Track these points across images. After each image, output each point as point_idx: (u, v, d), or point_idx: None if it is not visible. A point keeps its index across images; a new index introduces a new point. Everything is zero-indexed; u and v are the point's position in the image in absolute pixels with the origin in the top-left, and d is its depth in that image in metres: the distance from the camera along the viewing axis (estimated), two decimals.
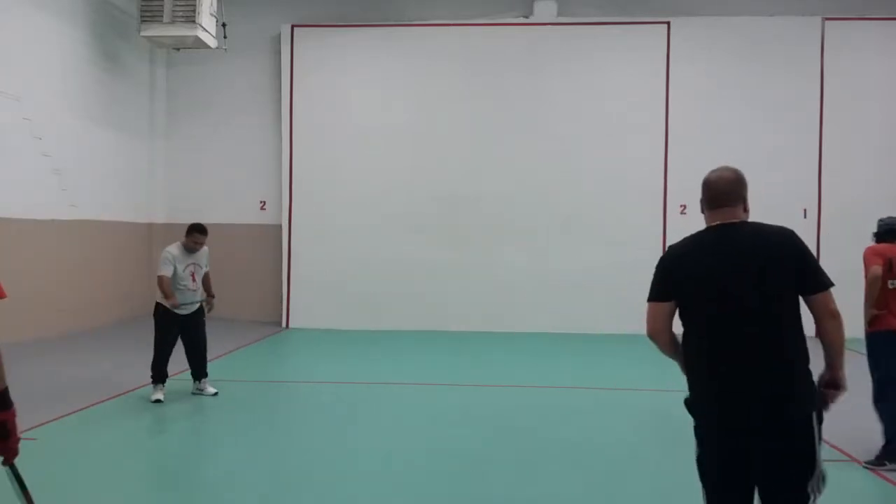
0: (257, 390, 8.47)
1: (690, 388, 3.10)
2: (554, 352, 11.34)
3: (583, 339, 12.37)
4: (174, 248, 7.83)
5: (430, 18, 13.79)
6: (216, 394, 7.88)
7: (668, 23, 13.37)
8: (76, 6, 11.96)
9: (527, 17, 13.72)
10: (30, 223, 10.59)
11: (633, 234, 13.29)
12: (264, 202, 14.39)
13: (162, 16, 11.98)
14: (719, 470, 3.03)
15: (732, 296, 2.93)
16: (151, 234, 14.51)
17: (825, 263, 3.12)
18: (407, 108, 13.77)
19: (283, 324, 13.48)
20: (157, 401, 7.48)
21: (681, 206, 13.17)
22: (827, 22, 13.21)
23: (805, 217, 12.36)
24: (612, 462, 5.92)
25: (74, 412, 7.03)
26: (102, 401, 7.53)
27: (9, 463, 2.64)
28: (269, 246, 14.12)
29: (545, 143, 13.50)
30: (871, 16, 13.18)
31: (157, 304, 7.89)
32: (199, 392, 7.90)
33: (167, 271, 7.70)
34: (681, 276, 3.07)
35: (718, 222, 3.10)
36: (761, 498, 2.98)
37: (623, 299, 13.13)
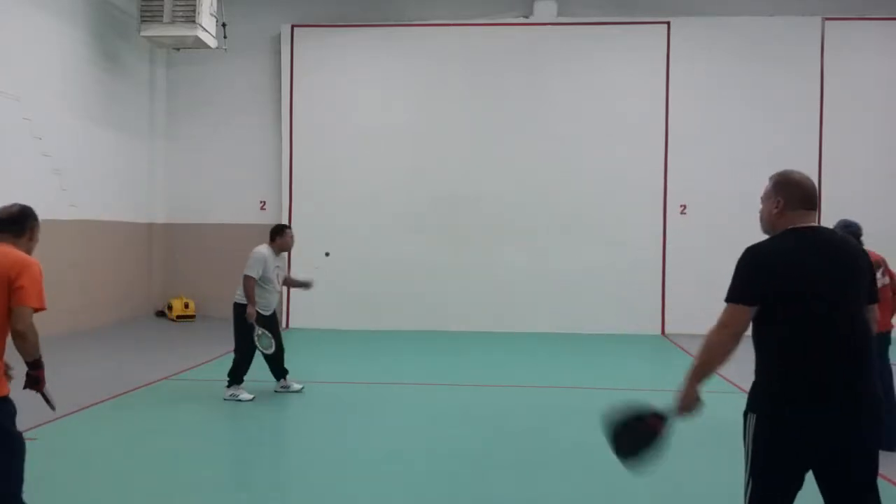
0: (257, 390, 8.44)
1: (780, 381, 3.06)
2: (554, 352, 11.33)
3: (583, 339, 12.36)
4: (265, 250, 7.81)
5: (430, 18, 13.79)
6: (302, 389, 7.97)
7: (668, 23, 13.38)
8: (76, 6, 11.96)
9: (527, 17, 13.73)
10: None
11: (633, 234, 13.30)
12: (264, 202, 14.38)
13: (162, 16, 11.99)
14: (787, 458, 3.04)
15: (838, 295, 3.05)
16: (151, 234, 14.51)
17: None
18: (407, 108, 13.77)
19: (284, 324, 13.46)
20: (249, 400, 7.62)
21: (681, 206, 13.19)
22: (827, 22, 13.21)
23: None
24: (612, 462, 5.88)
25: (74, 412, 7.03)
26: (102, 401, 7.54)
27: (38, 391, 3.89)
28: None
29: (545, 143, 13.50)
30: (871, 16, 13.19)
31: (240, 306, 7.69)
32: (285, 390, 7.98)
33: (255, 273, 7.65)
34: (781, 277, 3.04)
35: (809, 224, 3.17)
36: (831, 497, 3.07)
37: (623, 299, 13.15)
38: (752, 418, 3.09)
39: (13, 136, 10.45)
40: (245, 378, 7.78)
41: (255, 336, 7.59)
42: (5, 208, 4.00)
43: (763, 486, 3.06)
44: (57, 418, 6.69)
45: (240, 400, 7.66)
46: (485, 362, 10.49)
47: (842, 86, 13.19)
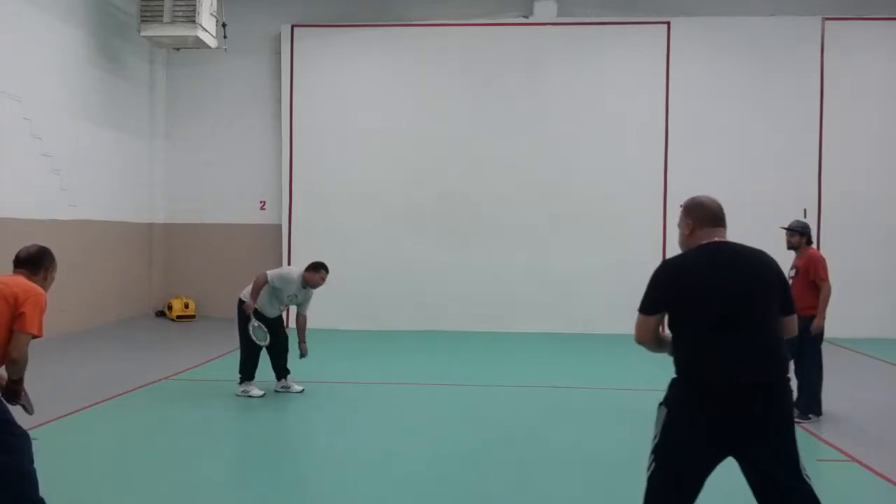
0: None
1: (689, 384, 3.27)
2: (554, 352, 11.33)
3: (582, 339, 12.36)
4: (296, 275, 7.82)
5: (430, 18, 13.78)
6: (302, 391, 8.01)
7: (668, 23, 13.36)
8: (76, 6, 11.95)
9: (527, 17, 13.72)
10: (30, 223, 10.59)
11: (632, 234, 13.29)
12: (264, 202, 14.39)
13: (162, 16, 11.99)
14: (692, 456, 3.25)
15: (743, 303, 3.23)
16: (151, 234, 14.51)
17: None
18: (407, 108, 13.76)
19: (284, 324, 13.43)
20: (259, 396, 7.77)
21: (681, 206, 13.16)
22: (827, 22, 13.20)
23: (805, 217, 12.36)
24: (611, 463, 5.92)
25: (74, 412, 7.03)
26: (102, 401, 7.54)
27: (14, 403, 4.06)
28: (269, 246, 14.12)
29: (545, 143, 13.49)
30: (871, 16, 13.18)
31: (243, 302, 7.81)
32: (285, 390, 8.02)
33: (273, 281, 7.72)
34: (688, 289, 3.30)
35: (717, 239, 3.41)
36: (762, 485, 3.24)
37: (623, 299, 13.07)
38: (664, 411, 3.31)
39: (13, 136, 10.45)
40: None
41: (251, 328, 7.66)
42: (25, 248, 4.26)
43: (664, 472, 3.26)
44: (57, 418, 6.70)
45: (251, 396, 7.78)
46: (485, 362, 10.49)
47: (842, 85, 13.18)
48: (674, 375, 3.35)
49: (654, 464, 3.29)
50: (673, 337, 3.37)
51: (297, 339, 8.04)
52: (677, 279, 3.34)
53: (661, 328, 3.41)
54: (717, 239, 3.42)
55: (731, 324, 3.20)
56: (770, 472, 3.19)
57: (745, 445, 3.18)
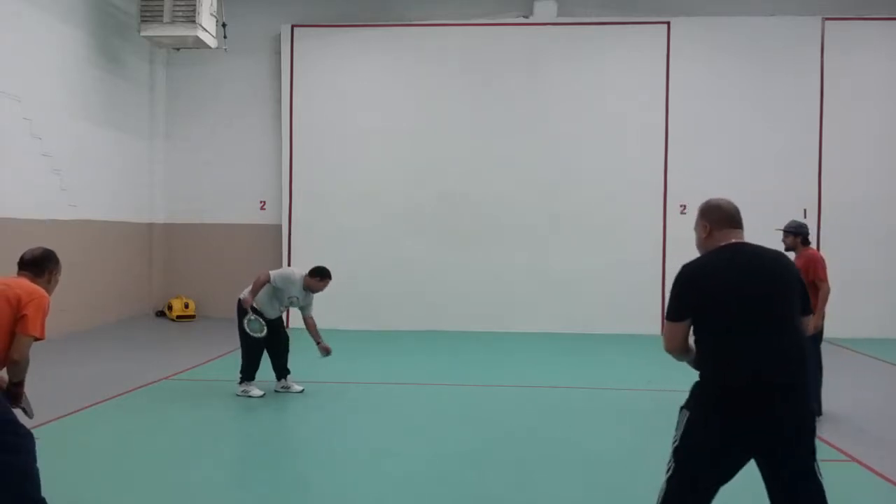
0: None
1: (710, 388, 3.27)
2: (553, 352, 11.33)
3: (582, 339, 12.36)
4: (298, 277, 7.84)
5: (430, 18, 13.78)
6: (302, 391, 8.02)
7: (668, 23, 13.36)
8: (76, 6, 11.95)
9: (527, 17, 13.72)
10: (30, 223, 10.59)
11: (633, 234, 13.29)
12: (264, 202, 14.39)
13: (162, 16, 11.98)
14: (711, 460, 3.24)
15: (763, 304, 3.24)
16: (151, 234, 14.51)
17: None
18: (407, 108, 13.76)
19: (284, 324, 13.41)
20: (259, 396, 7.78)
21: (681, 206, 13.16)
22: (827, 22, 13.20)
23: (805, 217, 12.36)
24: (612, 463, 5.92)
25: (74, 412, 7.04)
26: (102, 401, 7.54)
27: (16, 406, 4.09)
28: (269, 246, 14.12)
29: (545, 143, 13.49)
30: (871, 16, 13.18)
31: (243, 304, 7.81)
32: (285, 390, 8.03)
33: (274, 280, 7.74)
34: (707, 292, 3.30)
35: (735, 241, 3.42)
36: (768, 485, 3.26)
37: (623, 299, 13.15)
38: (686, 414, 3.30)
39: (13, 136, 10.45)
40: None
41: (246, 320, 7.66)
42: (30, 250, 4.32)
43: (682, 474, 3.26)
44: (57, 418, 6.70)
45: (250, 396, 7.79)
46: (485, 362, 10.49)
47: (842, 85, 13.17)
48: (696, 379, 3.35)
49: (673, 466, 3.29)
50: (695, 340, 3.37)
51: (299, 341, 8.04)
52: (697, 283, 3.34)
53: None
54: (734, 240, 3.43)
55: (749, 325, 3.20)
56: (782, 472, 3.19)
57: (761, 446, 3.18)
